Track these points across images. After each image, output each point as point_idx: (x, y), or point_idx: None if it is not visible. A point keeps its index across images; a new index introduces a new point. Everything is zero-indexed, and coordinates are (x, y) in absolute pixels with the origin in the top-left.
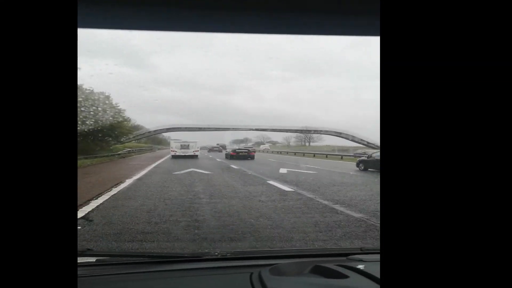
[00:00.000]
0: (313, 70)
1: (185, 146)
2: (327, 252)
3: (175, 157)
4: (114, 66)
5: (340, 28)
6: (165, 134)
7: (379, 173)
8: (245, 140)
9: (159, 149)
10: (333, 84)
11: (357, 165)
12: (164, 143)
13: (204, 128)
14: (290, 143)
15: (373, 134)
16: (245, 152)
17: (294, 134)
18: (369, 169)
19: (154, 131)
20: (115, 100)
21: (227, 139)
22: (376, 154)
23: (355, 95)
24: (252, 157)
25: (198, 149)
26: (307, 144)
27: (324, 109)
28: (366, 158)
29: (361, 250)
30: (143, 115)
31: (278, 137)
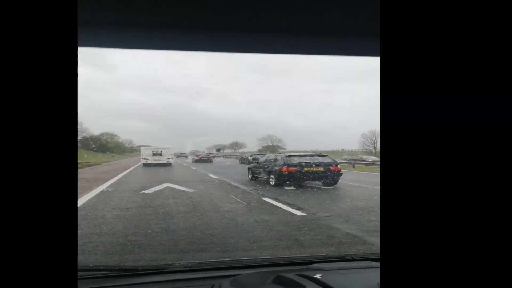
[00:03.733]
0: (283, 72)
1: (157, 153)
2: (291, 261)
3: (146, 165)
4: None
5: (344, 49)
6: (123, 137)
7: (244, 163)
8: (222, 147)
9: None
10: (305, 87)
11: (239, 161)
12: (116, 149)
13: None
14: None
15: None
16: (206, 158)
17: None
18: (242, 163)
19: None
20: None
21: (204, 145)
22: (247, 155)
23: (328, 99)
24: (211, 161)
25: (172, 157)
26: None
27: (297, 114)
28: (242, 157)
29: (324, 258)
30: (103, 122)
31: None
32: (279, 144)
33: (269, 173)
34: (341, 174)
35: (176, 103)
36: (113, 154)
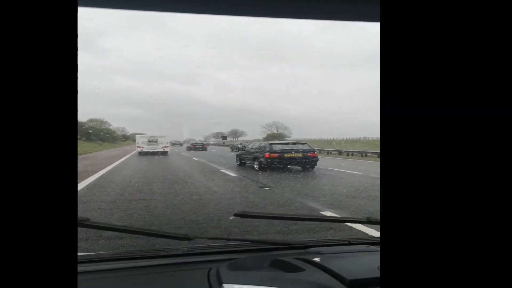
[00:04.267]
0: (280, 57)
1: (153, 142)
2: (287, 245)
3: (141, 154)
4: None
5: (340, 13)
6: (115, 124)
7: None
8: (221, 135)
9: None
10: (302, 74)
11: (230, 149)
12: (105, 137)
13: None
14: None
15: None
16: (200, 145)
17: None
18: (233, 150)
19: None
20: None
21: (201, 133)
22: (238, 143)
23: (327, 86)
24: (205, 149)
25: (168, 145)
26: None
27: (293, 102)
28: (232, 146)
29: (321, 242)
30: (96, 108)
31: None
32: (285, 132)
33: (254, 159)
34: (317, 159)
35: (172, 89)
36: (100, 142)
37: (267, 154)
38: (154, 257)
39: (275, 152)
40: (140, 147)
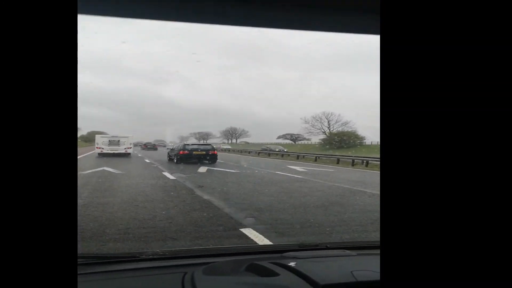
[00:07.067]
0: (256, 59)
1: (114, 142)
2: (264, 250)
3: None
4: None
5: (341, 25)
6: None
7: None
8: (205, 136)
9: None
10: (279, 75)
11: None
12: None
13: None
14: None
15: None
16: (152, 146)
17: None
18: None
19: None
20: None
21: (175, 135)
22: (170, 144)
23: (305, 89)
24: (156, 149)
25: (131, 146)
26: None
27: (269, 105)
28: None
29: (299, 246)
30: None
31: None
32: (346, 128)
33: (174, 155)
34: (216, 155)
35: (139, 89)
36: None
37: (181, 151)
38: (131, 261)
39: (187, 150)
40: (99, 148)
